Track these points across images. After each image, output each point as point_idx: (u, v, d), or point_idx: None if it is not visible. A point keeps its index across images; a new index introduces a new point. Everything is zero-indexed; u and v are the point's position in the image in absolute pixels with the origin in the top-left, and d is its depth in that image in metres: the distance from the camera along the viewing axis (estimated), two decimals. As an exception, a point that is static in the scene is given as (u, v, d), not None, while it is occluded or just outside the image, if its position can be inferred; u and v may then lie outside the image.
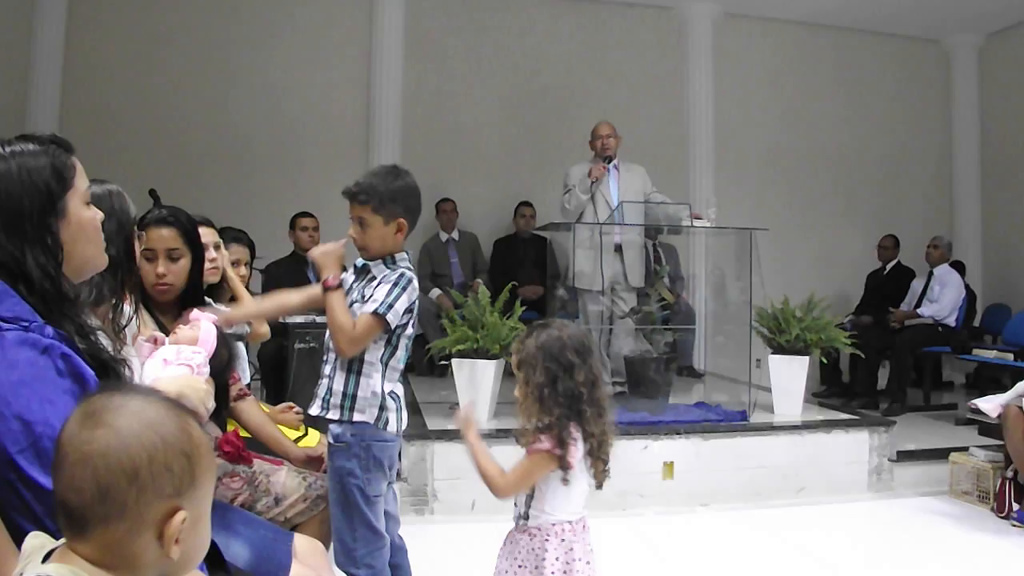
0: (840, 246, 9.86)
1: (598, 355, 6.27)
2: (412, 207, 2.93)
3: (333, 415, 2.81)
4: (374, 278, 2.86)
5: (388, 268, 2.88)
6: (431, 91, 8.99)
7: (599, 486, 2.64)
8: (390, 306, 2.78)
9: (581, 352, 2.52)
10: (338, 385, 2.82)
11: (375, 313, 2.76)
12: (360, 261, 2.96)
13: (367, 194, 2.85)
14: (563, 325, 2.59)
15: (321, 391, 2.86)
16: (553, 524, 2.55)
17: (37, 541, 1.25)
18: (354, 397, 2.81)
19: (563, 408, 2.50)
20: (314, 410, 2.87)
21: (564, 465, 2.49)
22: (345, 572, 2.81)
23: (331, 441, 2.83)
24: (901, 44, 10.28)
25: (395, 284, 2.81)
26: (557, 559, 2.50)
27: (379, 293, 2.79)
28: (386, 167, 3.00)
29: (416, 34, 8.86)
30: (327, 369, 2.86)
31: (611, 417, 2.64)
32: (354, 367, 2.81)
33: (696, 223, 6.27)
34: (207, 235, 3.30)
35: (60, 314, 1.59)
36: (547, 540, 2.52)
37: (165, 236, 2.80)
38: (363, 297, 2.83)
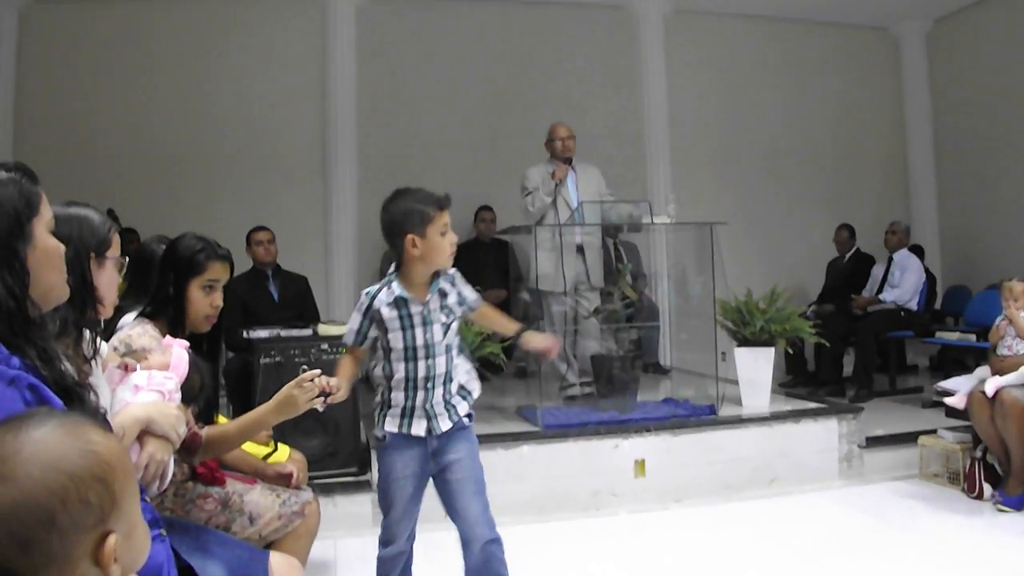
0: (800, 236, 9.92)
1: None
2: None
3: (463, 409, 3.11)
4: (445, 293, 3.09)
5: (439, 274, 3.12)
6: (386, 100, 8.95)
7: None
8: None
9: None
10: (455, 388, 3.10)
11: None
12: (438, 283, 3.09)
13: None
14: None
15: (440, 409, 3.06)
16: None
17: None
18: (463, 387, 3.15)
19: None
20: (446, 425, 3.06)
21: None
22: (493, 537, 3.06)
23: (468, 423, 3.13)
24: (850, 33, 10.36)
25: (462, 279, 3.22)
26: None
27: (468, 292, 3.19)
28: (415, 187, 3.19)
29: (368, 43, 8.82)
30: (437, 392, 3.05)
31: None
32: (455, 371, 3.13)
33: (656, 220, 6.28)
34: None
35: (24, 338, 1.57)
36: None
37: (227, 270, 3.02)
38: (455, 314, 3.11)
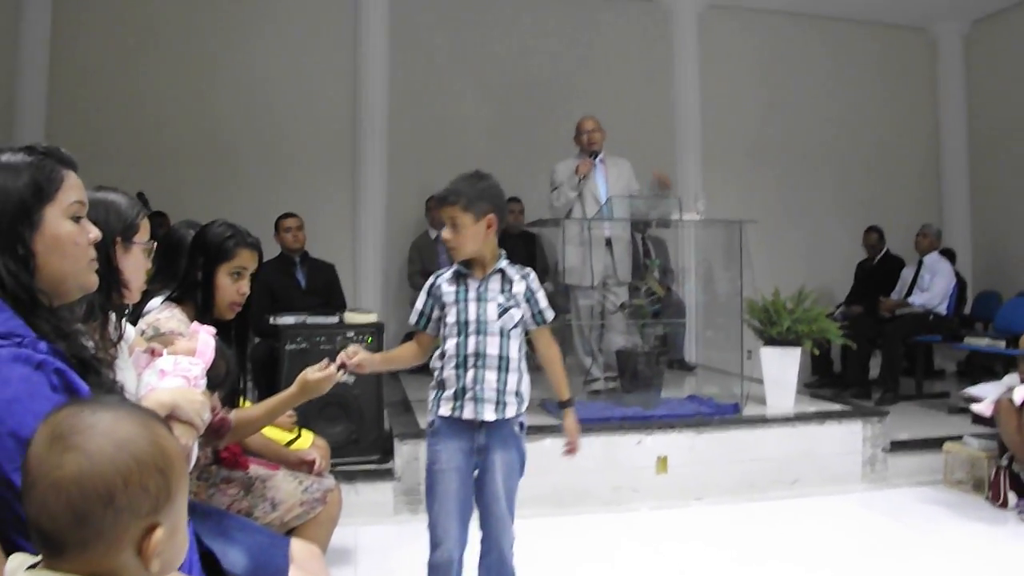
0: (829, 236, 9.88)
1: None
2: (499, 205, 3.10)
3: (512, 411, 3.04)
4: (511, 280, 3.09)
5: (516, 266, 3.15)
6: (417, 88, 8.96)
7: None
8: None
9: None
10: (511, 386, 3.03)
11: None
12: (500, 265, 3.11)
13: (455, 195, 3.02)
14: None
15: (489, 395, 3.00)
16: None
17: (16, 562, 1.25)
18: (518, 393, 3.06)
19: None
20: (490, 415, 3.00)
21: None
22: (505, 548, 3.11)
23: (518, 432, 3.11)
24: (886, 32, 10.29)
25: (541, 287, 3.18)
26: None
27: (544, 301, 3.15)
28: (469, 172, 3.13)
29: (401, 31, 8.82)
30: (488, 375, 3.00)
31: None
32: (512, 366, 3.04)
33: (685, 216, 6.26)
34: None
35: (35, 316, 1.59)
36: None
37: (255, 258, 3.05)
38: (516, 302, 3.07)
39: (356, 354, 2.96)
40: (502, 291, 3.06)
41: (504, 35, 9.29)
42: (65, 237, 1.69)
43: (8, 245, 1.60)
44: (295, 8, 8.77)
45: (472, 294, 3.04)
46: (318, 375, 2.85)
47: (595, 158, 6.65)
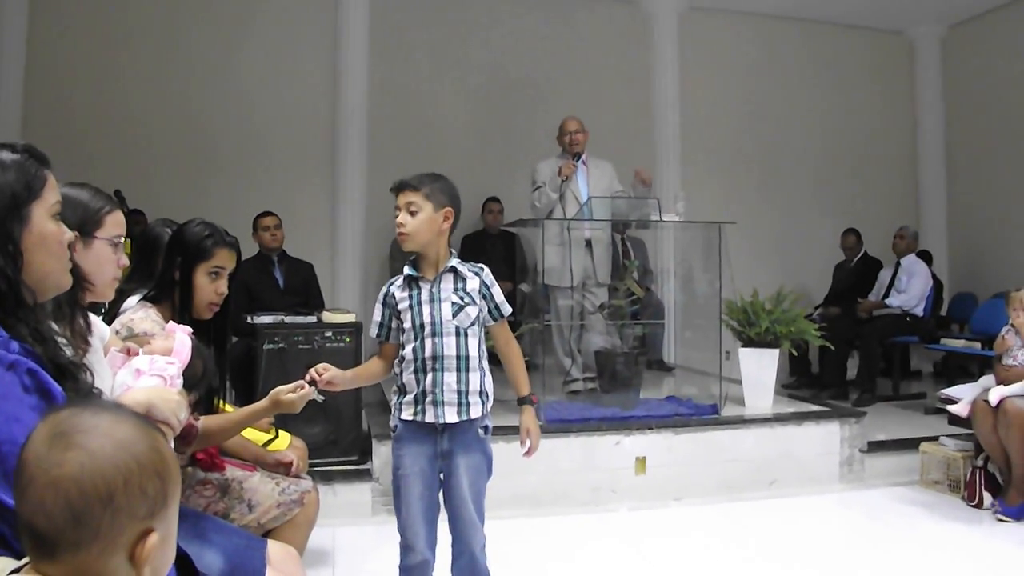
0: (808, 237, 9.89)
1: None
2: (456, 205, 3.11)
3: (476, 411, 3.00)
4: (464, 278, 3.06)
5: (468, 263, 3.13)
6: (397, 88, 8.92)
7: None
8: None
9: None
10: (474, 385, 3.00)
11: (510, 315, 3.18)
12: (451, 263, 3.08)
13: (418, 181, 3.04)
14: None
15: (450, 397, 2.97)
16: None
17: (0, 564, 1.22)
18: (482, 392, 3.04)
19: None
20: (452, 417, 2.96)
21: None
22: (476, 551, 3.05)
23: (483, 435, 3.05)
24: (865, 36, 10.33)
25: (495, 281, 3.15)
26: None
27: (499, 296, 3.12)
28: (430, 172, 3.16)
29: (382, 31, 8.79)
30: (447, 377, 2.97)
31: None
32: (472, 365, 3.01)
33: (664, 217, 6.26)
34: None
35: (16, 318, 1.56)
36: None
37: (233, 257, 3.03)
38: (472, 299, 3.03)
39: (326, 371, 2.94)
40: (455, 289, 3.03)
41: (484, 36, 9.27)
42: (50, 236, 1.68)
43: None
44: (275, 7, 8.72)
45: (425, 296, 3.01)
46: (291, 396, 2.83)
47: (578, 159, 6.63)
